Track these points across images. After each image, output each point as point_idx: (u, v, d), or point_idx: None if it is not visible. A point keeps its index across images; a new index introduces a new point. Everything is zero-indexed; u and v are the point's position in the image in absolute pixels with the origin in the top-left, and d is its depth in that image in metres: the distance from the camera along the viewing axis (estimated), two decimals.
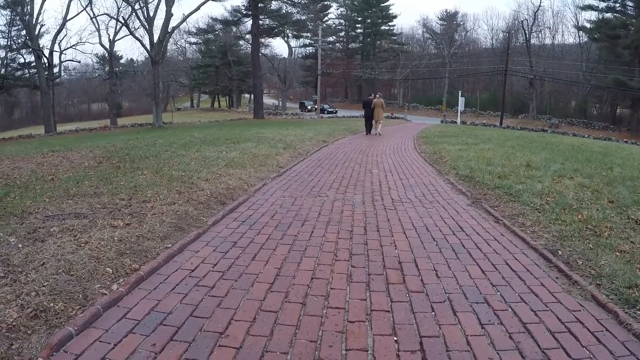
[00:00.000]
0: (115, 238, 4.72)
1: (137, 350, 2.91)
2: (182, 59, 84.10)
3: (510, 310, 3.62)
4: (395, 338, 3.16)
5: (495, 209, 6.86)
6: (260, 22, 46.84)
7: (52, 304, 3.32)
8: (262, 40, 59.40)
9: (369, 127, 23.24)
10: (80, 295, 3.53)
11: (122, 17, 37.77)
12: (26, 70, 50.47)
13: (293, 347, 3.01)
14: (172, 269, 4.27)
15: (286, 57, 76.86)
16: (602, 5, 54.03)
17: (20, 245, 4.39)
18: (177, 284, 3.93)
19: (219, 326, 3.24)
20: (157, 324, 3.23)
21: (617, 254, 4.75)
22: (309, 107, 67.30)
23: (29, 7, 38.32)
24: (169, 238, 5.01)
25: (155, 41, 32.74)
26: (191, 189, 7.16)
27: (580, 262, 4.59)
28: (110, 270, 4.02)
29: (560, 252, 4.90)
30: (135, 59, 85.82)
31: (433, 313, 3.54)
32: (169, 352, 2.91)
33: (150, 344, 2.99)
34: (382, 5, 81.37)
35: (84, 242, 4.54)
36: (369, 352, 2.99)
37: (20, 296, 3.38)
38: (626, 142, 35.75)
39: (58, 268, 3.88)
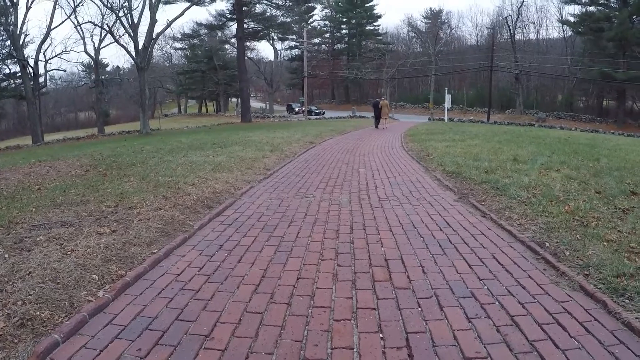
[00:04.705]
0: (102, 245, 4.69)
1: (123, 356, 2.90)
2: (168, 64, 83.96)
3: (497, 303, 3.64)
4: (381, 335, 3.16)
5: (482, 203, 6.88)
6: (245, 25, 46.93)
7: (38, 313, 3.31)
8: (248, 43, 59.47)
9: (377, 122, 28.61)
10: (66, 302, 3.52)
11: (107, 24, 37.72)
12: (12, 81, 50.05)
13: (278, 348, 3.01)
14: (158, 274, 4.26)
15: (272, 60, 76.83)
16: None
17: (6, 256, 4.37)
18: (163, 289, 3.91)
19: (204, 329, 3.23)
20: (142, 329, 3.22)
21: (605, 243, 4.78)
22: (297, 110, 67.26)
23: (12, 17, 38.00)
24: (155, 243, 4.98)
25: (140, 48, 32.68)
26: (178, 194, 7.13)
27: (568, 253, 4.61)
28: (97, 277, 4.00)
29: (547, 244, 4.93)
30: (121, 66, 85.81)
31: (419, 309, 3.54)
32: (154, 356, 2.90)
33: (135, 349, 2.98)
34: (367, 5, 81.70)
35: (70, 250, 4.52)
36: (354, 350, 2.99)
37: (7, 305, 3.37)
38: (613, 133, 36.15)
39: (44, 277, 3.87)
